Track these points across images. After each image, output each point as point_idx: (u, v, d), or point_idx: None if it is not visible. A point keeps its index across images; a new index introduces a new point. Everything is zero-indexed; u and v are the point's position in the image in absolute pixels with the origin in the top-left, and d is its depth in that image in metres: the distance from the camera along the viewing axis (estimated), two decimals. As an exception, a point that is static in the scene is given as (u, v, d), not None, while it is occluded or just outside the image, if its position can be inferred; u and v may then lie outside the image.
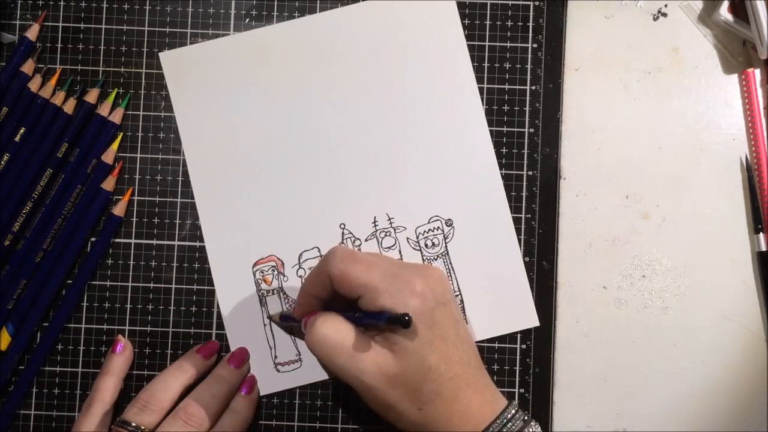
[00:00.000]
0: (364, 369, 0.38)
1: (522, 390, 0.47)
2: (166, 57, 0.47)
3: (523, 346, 0.47)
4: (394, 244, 0.47)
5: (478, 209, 0.47)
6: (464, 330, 0.40)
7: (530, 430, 0.39)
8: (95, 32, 0.48)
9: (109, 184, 0.46)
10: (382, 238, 0.47)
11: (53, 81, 0.46)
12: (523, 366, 0.47)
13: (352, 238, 0.47)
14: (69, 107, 0.46)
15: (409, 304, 0.38)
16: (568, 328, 0.47)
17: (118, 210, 0.46)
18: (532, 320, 0.47)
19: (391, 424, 0.40)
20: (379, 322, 0.38)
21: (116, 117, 0.47)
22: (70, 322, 0.47)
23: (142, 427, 0.41)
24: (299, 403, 0.47)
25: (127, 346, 0.46)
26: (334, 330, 0.39)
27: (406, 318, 0.36)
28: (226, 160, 0.47)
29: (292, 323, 0.45)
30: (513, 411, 0.40)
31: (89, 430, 0.42)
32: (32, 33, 0.47)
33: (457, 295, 0.46)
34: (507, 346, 0.47)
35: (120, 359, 0.45)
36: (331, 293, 0.40)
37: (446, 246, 0.47)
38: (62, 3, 0.48)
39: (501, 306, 0.46)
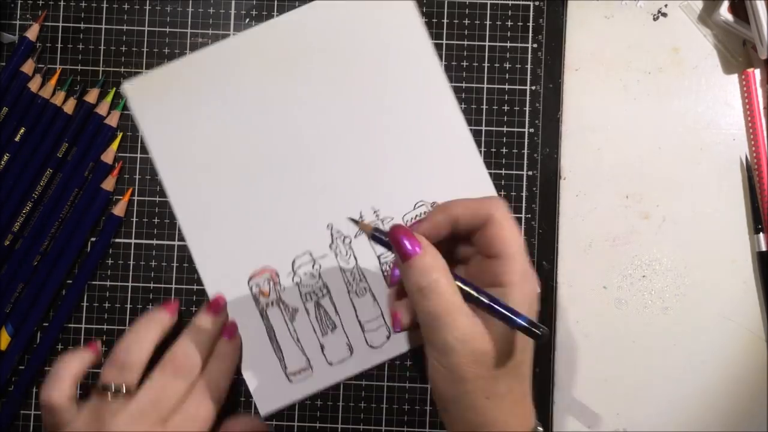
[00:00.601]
0: (460, 336, 0.35)
1: (522, 390, 0.47)
2: (131, 88, 0.47)
3: (523, 346, 0.47)
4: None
5: (461, 187, 0.47)
6: None
7: None
8: (95, 32, 0.48)
9: (109, 184, 0.46)
10: None
11: (53, 81, 0.46)
12: (523, 366, 0.47)
13: (342, 237, 0.47)
14: (69, 107, 0.46)
15: (532, 295, 0.37)
16: (568, 328, 0.47)
17: (118, 210, 0.46)
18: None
19: (447, 418, 0.38)
20: (510, 320, 0.35)
21: (113, 120, 0.47)
22: (70, 322, 0.47)
23: (124, 389, 0.39)
24: (299, 403, 0.47)
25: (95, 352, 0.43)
26: (447, 280, 0.36)
27: (542, 331, 0.35)
28: (203, 178, 0.47)
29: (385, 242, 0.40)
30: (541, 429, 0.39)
31: (66, 403, 0.40)
32: (32, 33, 0.47)
33: None
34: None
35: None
36: (457, 233, 0.39)
37: None
38: (62, 3, 0.48)
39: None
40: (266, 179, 0.47)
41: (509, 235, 0.38)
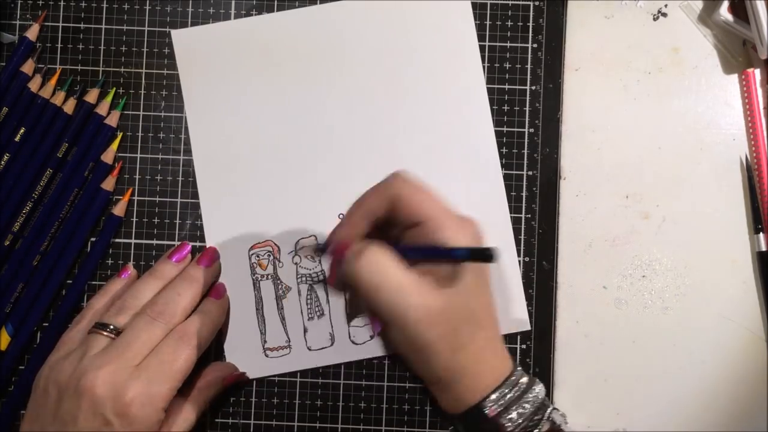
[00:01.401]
0: (410, 303, 0.38)
1: (522, 390, 0.47)
2: (178, 36, 0.47)
3: (523, 346, 0.47)
4: None
5: (478, 211, 0.46)
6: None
7: (536, 388, 0.41)
8: (95, 32, 0.48)
9: (109, 184, 0.46)
10: None
11: (53, 81, 0.46)
12: (523, 366, 0.47)
13: None
14: (69, 107, 0.46)
15: (470, 244, 0.39)
16: (568, 328, 0.47)
17: (118, 210, 0.46)
18: (523, 325, 0.47)
19: (419, 373, 0.41)
20: (454, 255, 0.37)
21: (113, 120, 0.47)
22: (71, 323, 0.47)
23: (118, 328, 0.41)
24: (299, 403, 0.47)
25: (132, 274, 0.46)
26: (384, 261, 0.38)
27: (489, 252, 0.36)
28: (230, 146, 0.47)
29: (324, 254, 0.45)
30: (519, 372, 0.41)
31: (76, 337, 0.42)
32: (32, 33, 0.47)
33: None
34: (507, 346, 0.47)
35: (120, 284, 0.45)
36: (381, 220, 0.40)
37: None
38: (62, 3, 0.48)
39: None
40: (289, 158, 0.47)
41: (419, 203, 0.39)
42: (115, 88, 0.47)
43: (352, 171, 0.47)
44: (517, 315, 0.47)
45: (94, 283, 0.47)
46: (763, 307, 0.47)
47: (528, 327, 0.47)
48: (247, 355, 0.46)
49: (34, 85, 0.46)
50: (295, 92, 0.47)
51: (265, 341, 0.46)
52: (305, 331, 0.46)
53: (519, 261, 0.47)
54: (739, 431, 0.47)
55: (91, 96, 0.47)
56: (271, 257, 0.47)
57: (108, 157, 0.46)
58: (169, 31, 0.47)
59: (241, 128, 0.47)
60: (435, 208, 0.39)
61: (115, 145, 0.47)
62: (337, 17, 0.47)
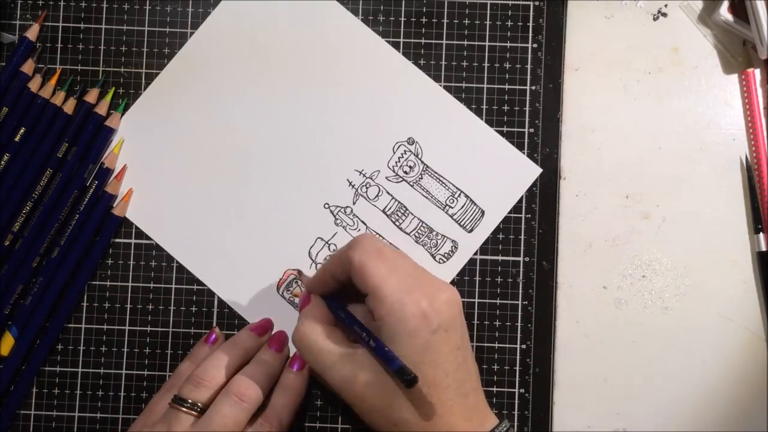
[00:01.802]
0: (342, 377, 0.39)
1: (522, 390, 0.47)
2: (130, 117, 0.47)
3: (523, 346, 0.47)
4: (379, 190, 0.47)
5: (428, 114, 0.47)
6: (464, 357, 0.40)
7: None
8: (95, 32, 0.48)
9: (113, 187, 0.46)
10: (365, 191, 0.47)
11: (53, 81, 0.46)
12: (523, 366, 0.47)
13: (342, 209, 0.47)
14: (69, 107, 0.46)
15: (408, 323, 0.38)
16: (568, 328, 0.47)
17: (118, 210, 0.46)
18: (533, 170, 0.47)
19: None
20: (387, 364, 0.37)
21: (113, 121, 0.47)
22: (71, 322, 0.47)
23: (199, 404, 0.41)
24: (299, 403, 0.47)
25: (219, 339, 0.46)
26: (317, 334, 0.40)
27: (411, 378, 0.36)
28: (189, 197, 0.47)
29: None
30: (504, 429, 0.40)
31: (161, 407, 0.42)
32: (32, 33, 0.47)
33: (459, 195, 0.47)
34: (507, 346, 0.47)
35: (207, 350, 0.45)
36: (349, 279, 0.40)
37: (422, 162, 0.47)
38: (62, 3, 0.48)
39: (501, 176, 0.47)
40: (253, 184, 0.47)
41: (369, 273, 0.39)
42: (114, 88, 0.47)
43: (310, 159, 0.47)
44: (522, 167, 0.47)
45: (94, 283, 0.47)
46: (763, 307, 0.47)
47: (539, 170, 0.47)
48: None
49: (34, 85, 0.46)
50: (227, 113, 0.47)
51: None
52: None
53: (520, 261, 0.47)
54: (739, 431, 0.47)
55: (91, 96, 0.47)
56: (299, 282, 0.47)
57: (110, 161, 0.46)
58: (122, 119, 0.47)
59: (192, 171, 0.47)
60: (383, 282, 0.38)
61: (117, 149, 0.47)
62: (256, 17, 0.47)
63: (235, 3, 0.47)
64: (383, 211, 0.47)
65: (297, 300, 0.47)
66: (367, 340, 0.38)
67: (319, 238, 0.47)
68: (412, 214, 0.47)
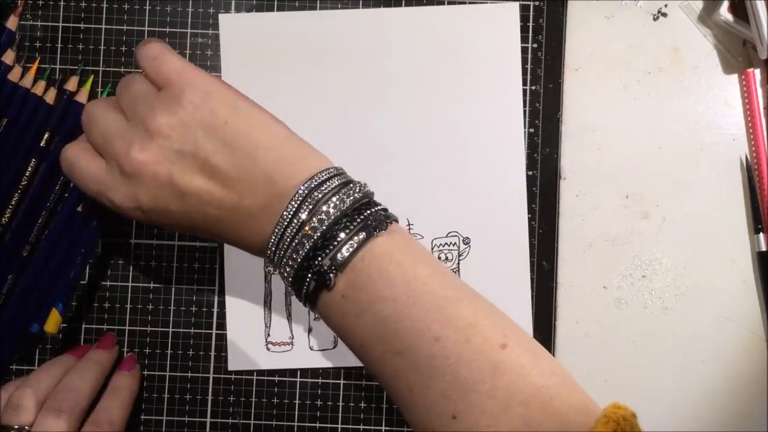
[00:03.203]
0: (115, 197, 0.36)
1: (522, 390, 0.47)
2: (225, 20, 0.47)
3: (523, 346, 0.47)
4: None
5: (498, 234, 0.46)
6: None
7: (357, 189, 0.35)
8: (95, 32, 0.48)
9: None
10: None
11: (33, 71, 0.46)
12: (523, 366, 0.47)
13: None
14: (50, 97, 0.46)
15: (137, 158, 0.35)
16: (568, 328, 0.47)
17: None
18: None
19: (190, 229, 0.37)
20: None
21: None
22: (70, 322, 0.47)
23: (26, 427, 0.39)
24: (299, 403, 0.47)
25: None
26: (76, 155, 0.38)
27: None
28: None
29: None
30: (330, 173, 0.35)
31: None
32: (12, 23, 0.46)
33: None
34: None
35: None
36: None
37: (459, 263, 0.47)
38: (62, 3, 0.48)
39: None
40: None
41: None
42: (93, 76, 0.47)
43: (378, 178, 0.45)
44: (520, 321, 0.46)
45: (94, 283, 0.47)
46: (763, 307, 0.47)
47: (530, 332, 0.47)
48: (248, 346, 0.46)
49: (14, 76, 0.46)
50: (332, 92, 0.47)
51: (269, 335, 0.46)
52: (309, 330, 0.47)
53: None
54: (739, 431, 0.47)
55: (71, 84, 0.46)
56: None
57: None
58: (220, 17, 0.47)
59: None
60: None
61: None
62: (380, 22, 0.47)
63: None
64: None
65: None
66: None
67: None
68: None
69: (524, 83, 0.48)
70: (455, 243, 0.47)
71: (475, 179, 0.47)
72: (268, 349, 0.46)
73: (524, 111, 0.48)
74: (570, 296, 0.47)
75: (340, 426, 0.47)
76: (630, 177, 0.47)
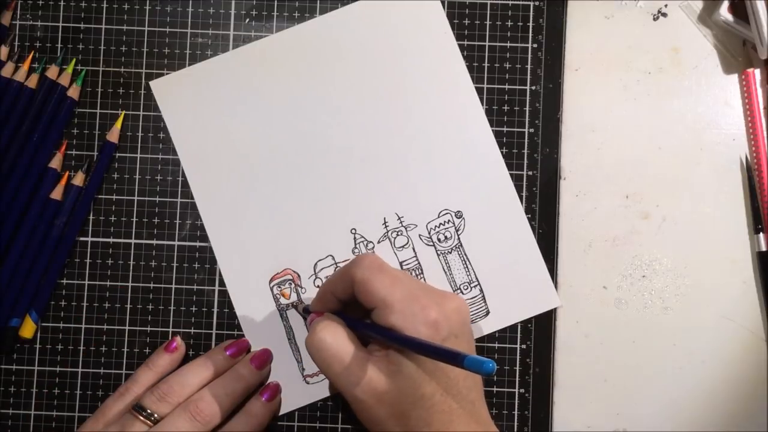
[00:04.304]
0: (356, 382, 0.38)
1: (522, 390, 0.47)
2: (157, 85, 0.47)
3: (523, 346, 0.47)
4: (407, 242, 0.47)
5: (486, 197, 0.47)
6: None
7: None
8: (95, 32, 0.48)
9: (55, 162, 0.46)
10: (395, 237, 0.47)
11: (26, 65, 0.46)
12: (523, 366, 0.47)
13: (365, 242, 0.47)
14: (32, 82, 0.46)
15: (420, 330, 0.38)
16: (568, 328, 0.47)
17: (112, 137, 0.47)
18: (553, 301, 0.47)
19: None
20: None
21: (74, 93, 0.47)
22: (70, 322, 0.47)
23: (156, 416, 0.41)
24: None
25: (179, 348, 0.45)
26: (333, 337, 0.39)
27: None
28: (228, 177, 0.47)
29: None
30: None
31: (116, 410, 0.42)
32: (5, 18, 0.47)
33: (475, 285, 0.46)
34: (507, 346, 0.47)
35: (167, 359, 0.45)
36: (351, 297, 0.41)
37: (459, 238, 0.47)
38: (62, 3, 0.48)
39: (521, 291, 0.46)
40: (290, 180, 0.47)
41: (374, 286, 0.39)
42: (75, 59, 0.47)
43: (357, 182, 0.47)
44: (544, 293, 0.46)
45: (94, 283, 0.47)
46: (763, 307, 0.47)
47: (558, 303, 0.47)
48: (288, 385, 0.46)
49: (7, 72, 0.46)
50: (284, 112, 0.47)
51: (303, 369, 0.46)
52: None
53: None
54: (739, 431, 0.47)
55: (52, 72, 0.46)
56: (293, 285, 0.46)
57: (113, 136, 0.47)
58: (151, 84, 0.47)
59: (237, 159, 0.47)
60: (389, 293, 0.39)
61: (118, 124, 0.47)
62: (317, 31, 0.47)
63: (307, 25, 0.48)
64: (400, 263, 0.47)
65: (282, 300, 0.46)
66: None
67: (330, 255, 0.47)
68: (425, 279, 0.47)
69: (524, 83, 0.48)
70: (449, 220, 0.47)
71: (448, 157, 0.47)
72: (307, 382, 0.46)
73: (524, 111, 0.48)
74: (570, 296, 0.47)
75: (340, 426, 0.47)
76: (630, 177, 0.47)
